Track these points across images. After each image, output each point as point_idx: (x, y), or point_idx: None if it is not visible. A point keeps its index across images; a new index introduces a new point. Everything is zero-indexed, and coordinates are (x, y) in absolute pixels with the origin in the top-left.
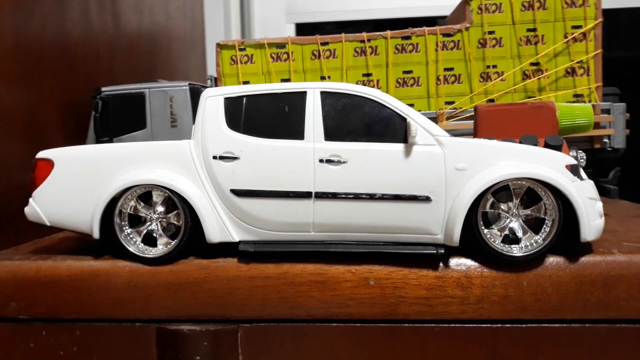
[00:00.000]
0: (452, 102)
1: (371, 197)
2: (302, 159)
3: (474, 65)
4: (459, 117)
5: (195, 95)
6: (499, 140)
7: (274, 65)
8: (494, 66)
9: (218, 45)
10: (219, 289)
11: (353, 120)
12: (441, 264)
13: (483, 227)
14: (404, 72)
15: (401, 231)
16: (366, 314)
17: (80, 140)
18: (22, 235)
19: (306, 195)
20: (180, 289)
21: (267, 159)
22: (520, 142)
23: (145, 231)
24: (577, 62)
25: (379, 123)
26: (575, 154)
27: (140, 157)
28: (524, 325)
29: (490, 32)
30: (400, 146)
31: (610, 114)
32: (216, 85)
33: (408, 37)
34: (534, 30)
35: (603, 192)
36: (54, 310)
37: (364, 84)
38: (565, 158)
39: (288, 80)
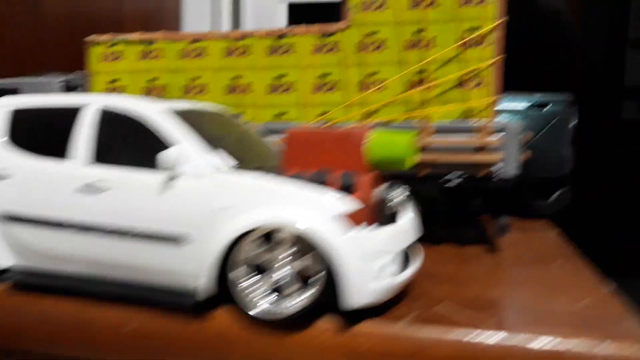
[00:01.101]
0: (326, 113)
1: (124, 233)
2: (63, 183)
3: (351, 71)
4: None
5: (73, 91)
6: (290, 172)
7: (143, 63)
8: (375, 73)
9: (86, 42)
10: None
11: (127, 143)
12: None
13: (241, 278)
14: (277, 76)
15: (156, 274)
16: None
17: None
18: None
19: (65, 225)
20: None
21: (31, 180)
22: (312, 178)
23: None
24: (470, 71)
25: (151, 148)
26: (384, 195)
27: None
28: None
29: (372, 34)
30: (160, 177)
31: (502, 136)
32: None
33: (282, 37)
34: (423, 31)
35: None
36: None
37: (233, 88)
38: (335, 207)
39: (154, 80)
